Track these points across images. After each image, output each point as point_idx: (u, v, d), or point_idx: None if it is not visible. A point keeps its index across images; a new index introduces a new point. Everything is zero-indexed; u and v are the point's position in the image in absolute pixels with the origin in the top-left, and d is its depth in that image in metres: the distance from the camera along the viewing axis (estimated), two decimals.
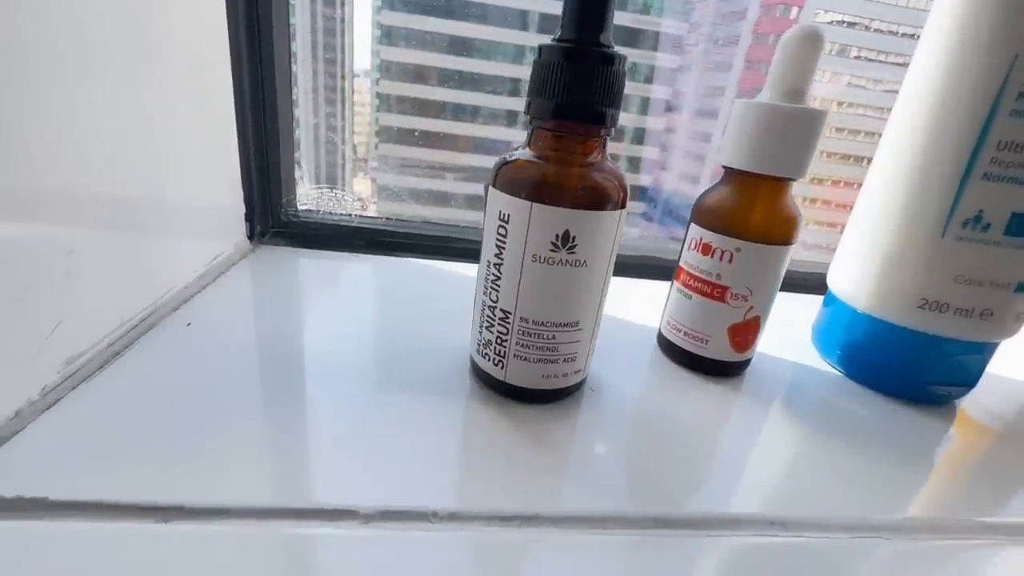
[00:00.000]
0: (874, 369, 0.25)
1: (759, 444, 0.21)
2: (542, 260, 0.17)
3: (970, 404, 0.25)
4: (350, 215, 0.36)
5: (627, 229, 0.19)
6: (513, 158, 0.18)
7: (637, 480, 0.17)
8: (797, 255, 0.38)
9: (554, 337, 0.19)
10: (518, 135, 0.58)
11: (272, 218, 0.34)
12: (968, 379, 0.24)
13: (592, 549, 0.15)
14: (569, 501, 0.16)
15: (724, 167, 0.23)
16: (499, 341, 0.19)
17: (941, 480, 0.20)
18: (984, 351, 0.24)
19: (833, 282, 0.27)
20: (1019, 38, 0.19)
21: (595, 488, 0.17)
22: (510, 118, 0.54)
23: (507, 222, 0.18)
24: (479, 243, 0.19)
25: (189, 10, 0.24)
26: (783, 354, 0.28)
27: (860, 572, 0.16)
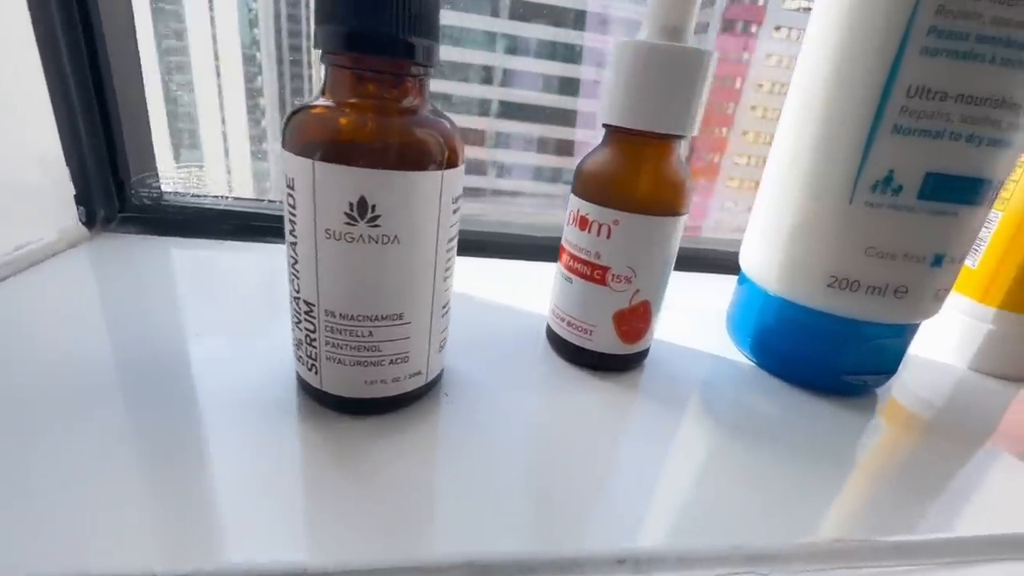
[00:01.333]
0: (786, 358, 0.22)
1: (646, 457, 0.17)
2: (338, 236, 0.14)
3: (889, 393, 0.23)
4: (219, 196, 0.32)
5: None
6: (304, 106, 0.14)
7: (472, 516, 0.14)
8: (714, 233, 0.34)
9: (371, 334, 0.15)
10: (492, 123, 0.55)
11: (120, 201, 0.29)
12: (887, 366, 0.22)
13: None
14: (373, 549, 0.12)
15: (603, 125, 0.19)
16: (308, 341, 0.15)
17: (848, 492, 0.17)
18: (903, 334, 0.21)
19: (744, 261, 0.23)
20: None
21: (410, 529, 0.13)
22: (482, 106, 0.52)
23: (294, 189, 0.14)
24: None
25: None
26: (694, 344, 0.25)
27: None
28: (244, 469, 0.14)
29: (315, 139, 0.13)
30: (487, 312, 0.25)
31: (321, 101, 0.14)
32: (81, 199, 0.27)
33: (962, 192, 0.18)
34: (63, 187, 0.26)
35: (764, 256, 0.22)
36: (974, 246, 0.25)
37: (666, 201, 0.18)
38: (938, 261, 0.19)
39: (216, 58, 0.41)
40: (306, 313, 0.15)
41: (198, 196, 0.32)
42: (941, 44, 0.16)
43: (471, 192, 0.51)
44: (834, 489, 0.17)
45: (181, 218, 0.30)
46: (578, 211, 0.19)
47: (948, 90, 0.17)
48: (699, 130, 0.18)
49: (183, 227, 0.30)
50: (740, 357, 0.24)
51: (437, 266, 0.15)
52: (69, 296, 0.22)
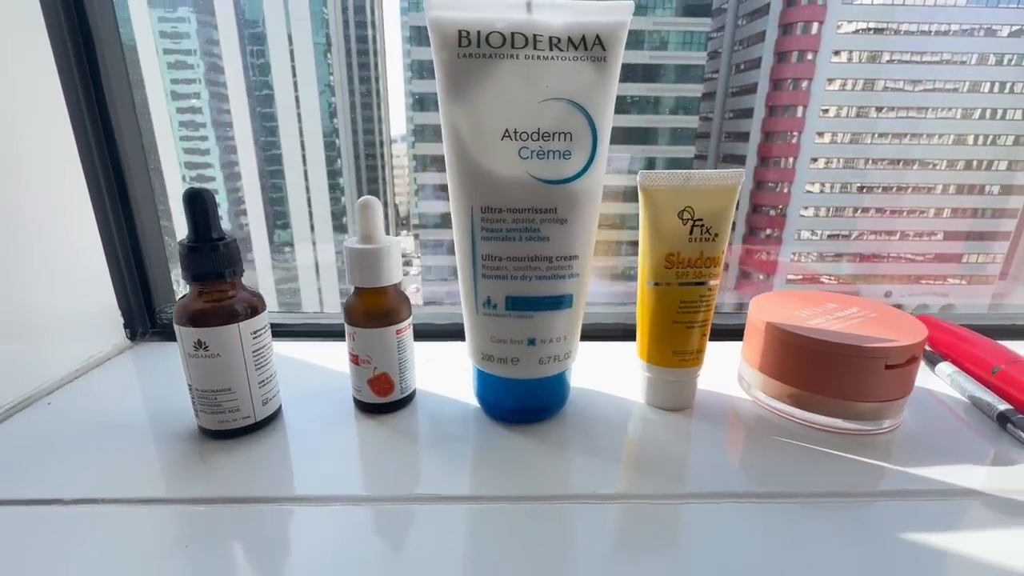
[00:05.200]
0: (487, 403, 0.37)
1: (370, 451, 0.32)
2: (193, 356, 0.31)
3: (571, 419, 0.36)
4: None
5: None
6: (181, 298, 0.32)
7: (252, 470, 0.30)
8: None
9: (216, 398, 0.32)
10: None
11: (151, 321, 0.49)
12: (551, 402, 0.36)
13: None
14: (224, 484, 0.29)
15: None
16: (192, 401, 0.33)
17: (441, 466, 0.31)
18: (548, 383, 0.35)
19: None
20: (472, 195, 0.31)
21: (229, 473, 0.29)
22: None
23: (177, 338, 0.32)
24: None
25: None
26: (456, 395, 0.39)
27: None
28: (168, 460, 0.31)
29: (179, 315, 0.31)
30: (333, 379, 0.42)
31: (187, 296, 0.32)
32: (127, 324, 0.47)
33: (531, 305, 0.32)
34: (115, 319, 0.46)
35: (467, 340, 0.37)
36: (635, 321, 0.39)
37: (383, 320, 0.34)
38: (532, 342, 0.33)
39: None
40: (188, 387, 0.32)
41: None
42: (489, 234, 0.31)
43: None
44: (445, 468, 0.31)
45: None
46: (345, 327, 0.36)
47: (501, 255, 0.32)
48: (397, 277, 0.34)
49: None
50: (475, 402, 0.38)
51: (247, 364, 0.32)
52: (122, 383, 0.42)
